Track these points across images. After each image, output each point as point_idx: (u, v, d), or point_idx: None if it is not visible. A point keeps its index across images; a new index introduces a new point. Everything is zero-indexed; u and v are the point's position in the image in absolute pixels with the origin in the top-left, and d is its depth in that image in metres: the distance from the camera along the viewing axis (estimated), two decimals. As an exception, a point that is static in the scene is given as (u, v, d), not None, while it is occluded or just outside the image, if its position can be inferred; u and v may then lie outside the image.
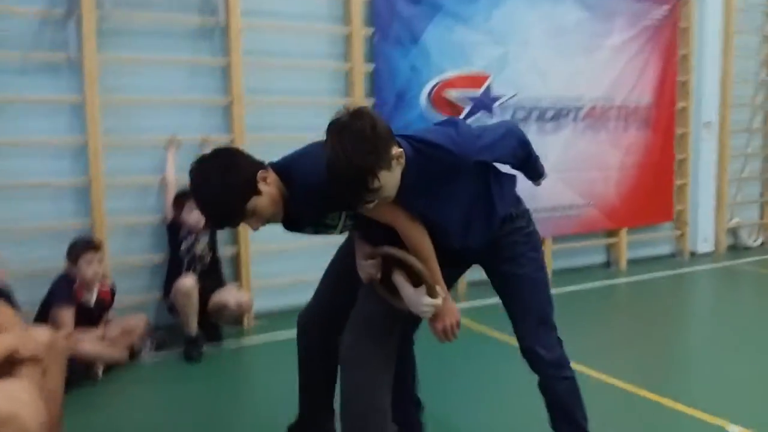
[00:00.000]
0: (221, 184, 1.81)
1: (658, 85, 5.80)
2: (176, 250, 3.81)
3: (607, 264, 5.83)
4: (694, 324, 4.46)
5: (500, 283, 2.14)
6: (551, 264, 5.32)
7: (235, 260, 4.23)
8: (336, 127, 1.73)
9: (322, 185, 1.76)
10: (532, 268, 2.08)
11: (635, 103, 5.67)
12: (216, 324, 3.91)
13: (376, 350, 1.99)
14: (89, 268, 3.32)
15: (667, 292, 5.11)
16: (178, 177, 3.87)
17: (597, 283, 5.19)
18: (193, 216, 3.76)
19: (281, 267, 4.39)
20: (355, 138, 1.69)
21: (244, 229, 4.15)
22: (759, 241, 6.66)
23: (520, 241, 2.08)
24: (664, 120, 5.87)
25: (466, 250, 2.08)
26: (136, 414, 2.93)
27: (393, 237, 1.96)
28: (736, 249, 6.50)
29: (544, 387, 2.13)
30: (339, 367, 2.07)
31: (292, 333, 3.90)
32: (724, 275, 5.65)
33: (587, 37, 5.37)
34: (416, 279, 1.92)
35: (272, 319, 4.30)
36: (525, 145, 2.06)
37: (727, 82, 6.21)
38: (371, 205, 1.80)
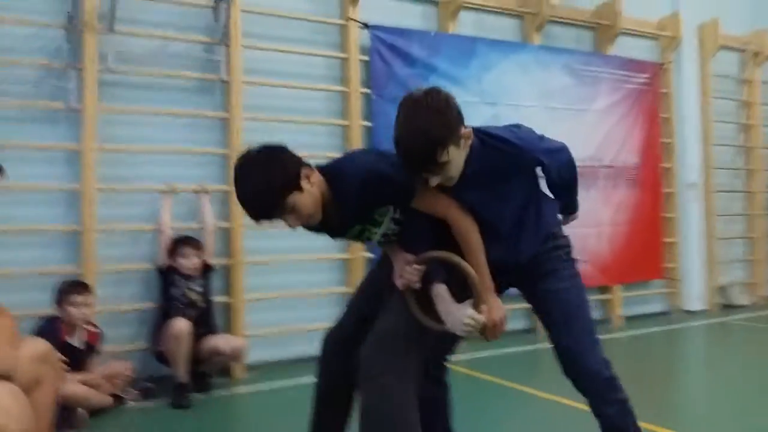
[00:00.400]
0: (263, 175, 1.79)
1: (643, 146, 5.97)
2: (168, 297, 3.73)
3: (603, 321, 5.78)
4: (690, 371, 4.46)
5: (541, 298, 2.05)
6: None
7: (228, 309, 4.15)
8: (409, 101, 1.79)
9: (374, 174, 1.79)
10: (573, 284, 2.03)
11: (623, 162, 5.81)
12: (205, 373, 3.78)
13: (395, 362, 1.86)
14: (76, 309, 3.25)
15: (664, 345, 5.08)
16: (173, 224, 3.86)
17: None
18: (187, 261, 3.73)
19: (275, 317, 4.31)
20: (429, 110, 1.74)
21: (237, 277, 4.10)
22: (748, 300, 6.67)
23: (562, 257, 2.05)
24: (651, 179, 6.01)
25: (512, 262, 2.01)
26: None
27: (440, 238, 1.91)
28: (728, 307, 6.50)
29: (597, 410, 1.99)
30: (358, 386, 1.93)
31: (285, 383, 3.87)
32: (718, 330, 5.63)
33: (574, 101, 5.57)
34: (461, 291, 1.83)
35: (264, 370, 4.18)
36: (573, 167, 2.07)
37: (707, 145, 6.40)
38: (434, 181, 1.80)
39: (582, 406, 2.09)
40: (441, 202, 1.90)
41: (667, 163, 6.16)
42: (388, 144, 4.69)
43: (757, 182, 6.76)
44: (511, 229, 1.99)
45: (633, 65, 5.92)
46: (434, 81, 4.79)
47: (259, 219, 1.84)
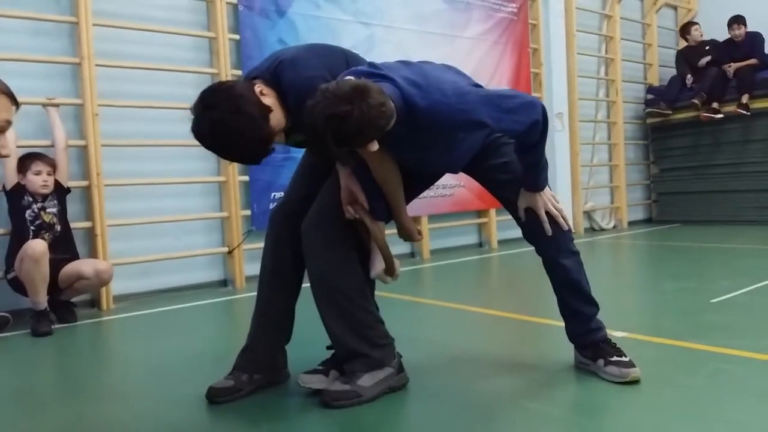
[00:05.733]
0: (242, 119, 1.72)
1: (514, 75, 6.14)
2: (20, 219, 3.37)
3: (480, 244, 5.98)
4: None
5: (487, 172, 2.10)
6: (428, 244, 5.37)
7: (90, 237, 3.83)
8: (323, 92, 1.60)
9: (311, 96, 1.64)
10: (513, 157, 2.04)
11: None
12: (69, 303, 3.49)
13: (337, 234, 1.97)
14: None
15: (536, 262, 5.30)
16: (18, 141, 3.47)
17: (472, 258, 5.29)
18: (39, 179, 3.38)
19: (142, 245, 4.04)
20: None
21: (97, 201, 3.78)
22: (612, 224, 7.16)
23: (499, 140, 2.05)
24: (521, 108, 6.18)
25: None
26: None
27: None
28: (593, 230, 6.94)
29: (553, 262, 2.09)
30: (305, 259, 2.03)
31: (153, 311, 3.66)
32: (584, 247, 5.98)
33: (447, 27, 5.60)
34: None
35: (133, 301, 3.93)
36: (533, 129, 1.85)
37: (572, 77, 6.71)
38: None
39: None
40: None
41: (537, 93, 6.38)
42: (257, 60, 4.52)
43: (618, 113, 7.20)
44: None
45: (503, -6, 6.05)
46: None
47: (257, 160, 1.83)
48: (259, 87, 1.82)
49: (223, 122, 1.71)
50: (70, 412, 2.01)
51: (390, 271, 2.02)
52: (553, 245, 2.07)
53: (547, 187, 2.05)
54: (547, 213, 2.03)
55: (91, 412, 2.01)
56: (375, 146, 1.67)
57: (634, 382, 1.96)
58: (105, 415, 1.98)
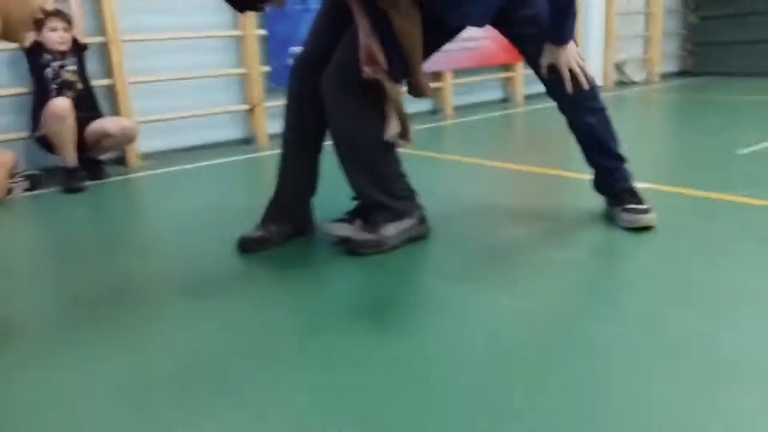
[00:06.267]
0: None
1: None
2: (41, 77, 3.36)
3: (505, 99, 5.86)
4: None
5: (517, 23, 2.01)
6: (451, 100, 5.28)
7: (111, 94, 3.82)
8: None
9: None
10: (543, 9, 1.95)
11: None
12: (98, 161, 3.56)
13: (356, 84, 1.93)
14: None
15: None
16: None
17: (496, 113, 5.20)
18: (55, 35, 3.32)
19: (164, 102, 4.03)
20: None
21: (118, 58, 3.74)
22: (643, 76, 6.91)
23: None
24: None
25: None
26: (24, 239, 2.62)
27: None
28: (623, 84, 6.72)
29: (577, 120, 2.06)
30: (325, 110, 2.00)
31: (183, 167, 3.73)
32: (613, 101, 5.83)
33: None
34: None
35: (160, 158, 4.00)
36: None
37: None
38: None
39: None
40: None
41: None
42: (280, 15, 4.16)
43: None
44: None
45: None
46: None
47: (242, 10, 1.77)
48: None
49: None
50: (110, 265, 2.11)
51: (405, 134, 2.02)
52: (575, 103, 2.03)
53: (572, 43, 1.96)
54: (570, 71, 1.96)
55: (129, 264, 2.11)
56: None
57: (647, 228, 1.99)
58: (143, 266, 2.08)
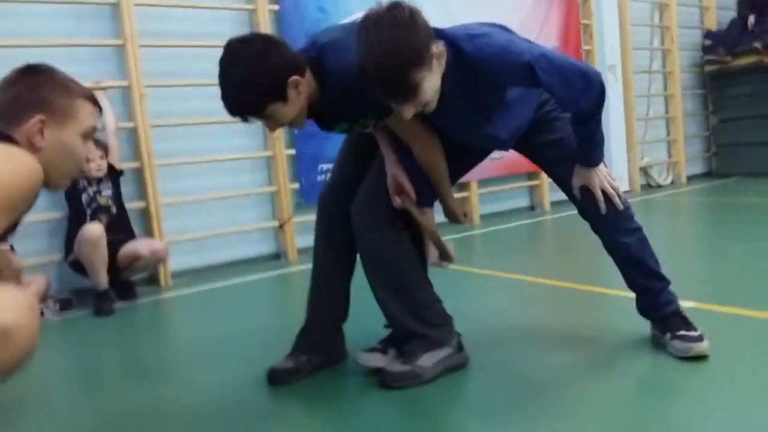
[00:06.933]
0: (246, 76, 1.65)
1: (563, 27, 5.90)
2: (76, 203, 3.45)
3: (532, 207, 5.85)
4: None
5: (538, 149, 2.03)
6: (478, 208, 5.29)
7: (144, 216, 3.90)
8: (370, 19, 1.58)
9: (356, 83, 1.63)
10: (567, 132, 1.94)
11: (543, 45, 5.71)
12: (128, 282, 3.57)
13: (386, 213, 1.94)
14: None
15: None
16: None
17: (523, 222, 5.18)
18: (93, 164, 3.44)
19: (196, 222, 4.09)
20: (391, 27, 1.53)
21: (151, 181, 3.84)
22: (669, 179, 6.90)
23: (550, 115, 1.98)
24: (572, 62, 5.95)
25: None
26: (51, 363, 2.58)
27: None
28: (650, 187, 6.70)
29: (612, 242, 2.01)
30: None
31: (211, 286, 3.72)
32: (641, 206, 5.79)
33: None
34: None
35: (190, 276, 4.00)
36: (593, 98, 1.74)
37: (624, 25, 6.40)
38: (408, 111, 1.64)
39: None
40: (407, 130, 1.85)
41: (587, 46, 6.13)
42: (297, 31, 4.43)
43: (674, 62, 6.86)
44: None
45: (549, -57, 5.76)
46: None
47: (234, 116, 1.75)
48: (296, 80, 1.70)
49: (238, 58, 1.67)
50: (134, 393, 2.06)
51: (445, 256, 2.00)
52: (610, 224, 1.98)
53: (602, 164, 1.95)
54: (603, 192, 1.94)
55: (154, 392, 2.06)
56: (410, 111, 1.65)
57: (700, 357, 1.88)
58: (168, 395, 2.02)
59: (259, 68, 1.66)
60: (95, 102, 1.47)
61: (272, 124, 1.78)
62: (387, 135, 1.95)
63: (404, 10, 1.57)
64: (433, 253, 2.00)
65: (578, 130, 1.88)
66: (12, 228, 1.35)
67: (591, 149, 1.90)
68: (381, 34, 1.54)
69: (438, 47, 1.63)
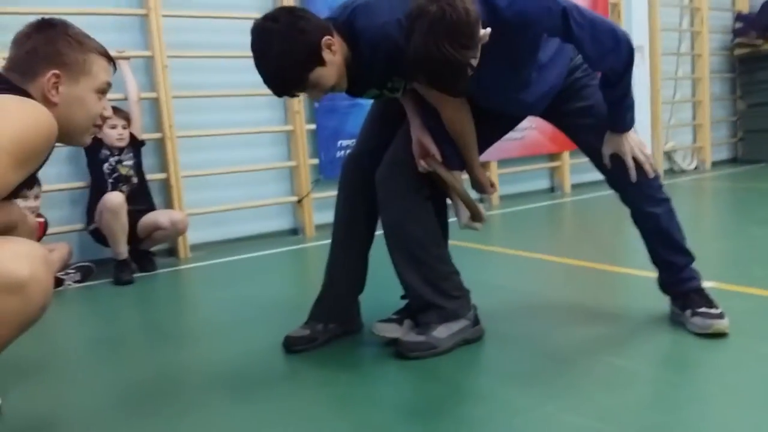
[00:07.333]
0: (283, 50, 1.67)
1: (591, 6, 5.76)
2: (98, 172, 3.48)
3: (552, 189, 5.80)
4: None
5: (569, 116, 2.00)
6: (498, 189, 5.25)
7: (165, 188, 3.92)
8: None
9: (390, 49, 1.66)
10: (597, 99, 1.91)
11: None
12: (148, 252, 3.61)
13: (410, 182, 1.93)
14: (25, 202, 3.11)
15: (612, 207, 5.10)
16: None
17: (544, 203, 5.13)
18: (114, 132, 3.46)
19: (215, 195, 4.11)
20: (451, 30, 1.49)
21: (172, 152, 3.86)
22: (693, 165, 6.79)
23: (581, 80, 1.96)
24: (598, 43, 5.85)
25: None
26: (72, 330, 2.62)
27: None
28: (673, 172, 6.60)
29: (642, 212, 1.99)
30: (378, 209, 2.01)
31: (230, 259, 3.75)
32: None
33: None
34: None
35: (209, 249, 4.03)
36: (621, 58, 1.74)
37: (653, 5, 6.26)
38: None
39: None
40: (436, 94, 1.79)
41: (614, 26, 6.01)
42: (321, 2, 4.37)
43: (703, 44, 6.71)
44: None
45: None
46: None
47: (280, 95, 1.78)
48: (328, 40, 1.72)
49: (270, 35, 1.68)
50: (153, 360, 2.08)
51: (477, 216, 1.97)
52: (640, 193, 1.95)
53: (633, 131, 1.91)
54: (634, 159, 1.90)
55: (172, 359, 2.08)
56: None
57: (720, 334, 1.85)
58: (186, 362, 2.04)
59: (292, 39, 1.67)
60: (110, 58, 1.47)
61: (317, 92, 1.79)
62: (414, 100, 1.93)
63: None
64: (464, 214, 1.97)
65: (607, 93, 1.85)
66: (29, 183, 1.36)
67: (621, 113, 1.87)
68: (436, 33, 1.50)
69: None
